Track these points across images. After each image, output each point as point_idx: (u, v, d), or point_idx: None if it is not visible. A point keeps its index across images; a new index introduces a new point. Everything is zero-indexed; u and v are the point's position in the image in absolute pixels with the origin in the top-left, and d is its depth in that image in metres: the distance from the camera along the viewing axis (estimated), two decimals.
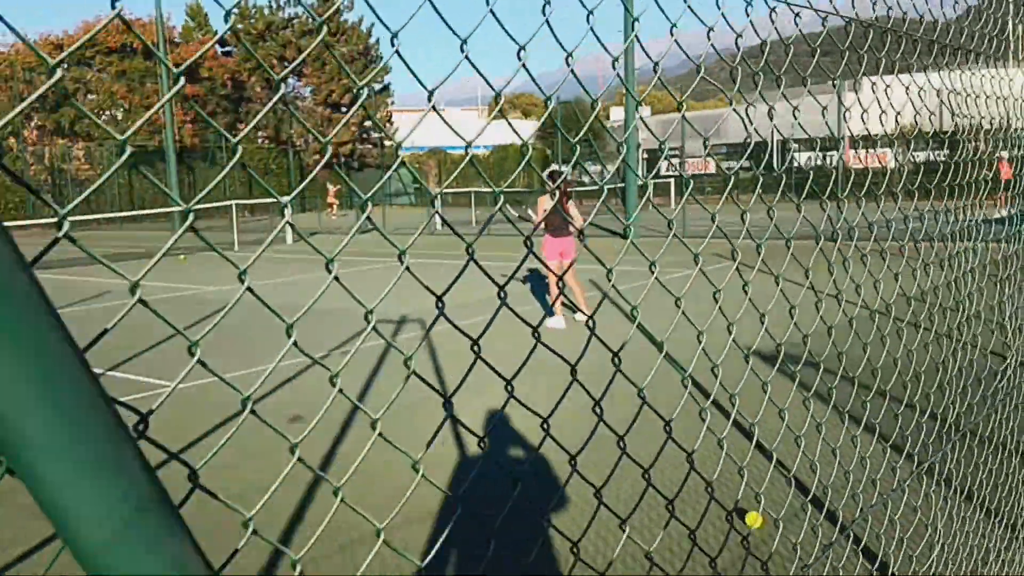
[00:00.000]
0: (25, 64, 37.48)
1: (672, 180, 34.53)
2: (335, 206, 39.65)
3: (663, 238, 16.98)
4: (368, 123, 45.88)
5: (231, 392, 7.22)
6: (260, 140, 44.37)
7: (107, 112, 39.89)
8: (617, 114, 57.44)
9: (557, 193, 9.21)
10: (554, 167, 8.87)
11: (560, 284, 1.68)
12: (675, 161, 31.31)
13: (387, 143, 46.02)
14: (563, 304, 10.54)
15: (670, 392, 2.85)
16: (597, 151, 40.34)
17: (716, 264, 14.44)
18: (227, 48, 45.96)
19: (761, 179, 2.51)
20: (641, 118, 1.66)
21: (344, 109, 45.23)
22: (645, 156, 48.41)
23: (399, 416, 6.30)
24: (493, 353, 1.70)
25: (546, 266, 1.62)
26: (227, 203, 22.84)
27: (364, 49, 46.27)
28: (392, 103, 49.16)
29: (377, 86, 46.88)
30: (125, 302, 9.13)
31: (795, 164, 37.67)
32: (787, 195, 2.23)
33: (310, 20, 46.19)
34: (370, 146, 46.06)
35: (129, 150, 0.86)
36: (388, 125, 48.42)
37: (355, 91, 1.20)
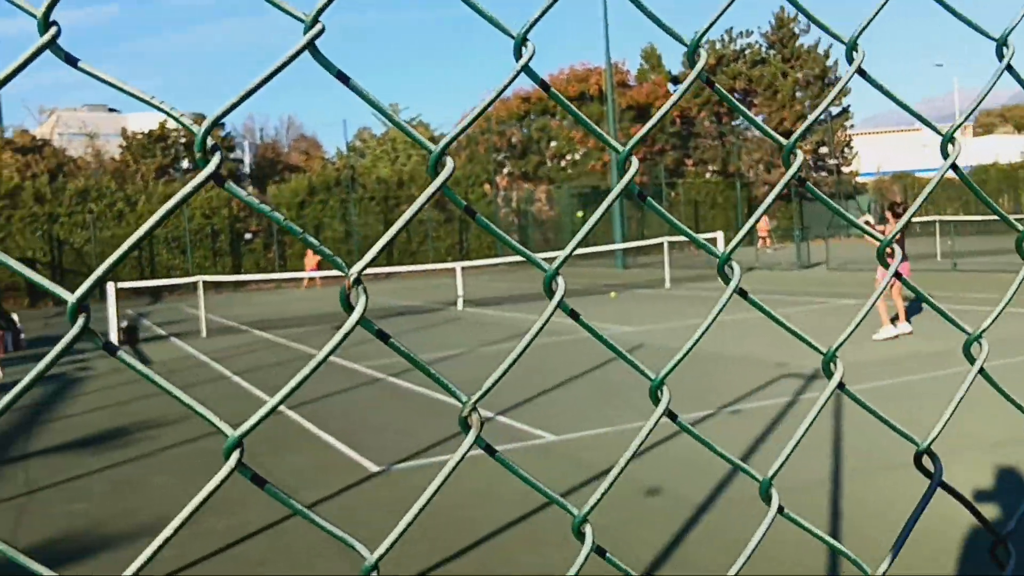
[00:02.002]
0: (499, 118, 41.92)
1: None
2: (768, 239, 37.64)
3: None
4: (823, 149, 43.36)
5: (607, 448, 6.60)
6: (708, 174, 44.29)
7: (567, 156, 42.92)
8: None
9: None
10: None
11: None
12: None
13: (845, 170, 43.03)
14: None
15: None
16: None
17: None
18: (679, 86, 46.84)
19: None
20: None
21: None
22: None
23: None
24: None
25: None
26: (659, 240, 22.75)
27: (821, 72, 43.96)
28: (852, 126, 45.97)
29: (835, 110, 44.14)
30: (569, 337, 8.83)
31: None
32: None
33: (762, 49, 45.20)
34: (824, 173, 43.41)
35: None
36: (847, 150, 45.36)
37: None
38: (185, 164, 38.07)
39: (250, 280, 22.44)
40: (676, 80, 46.88)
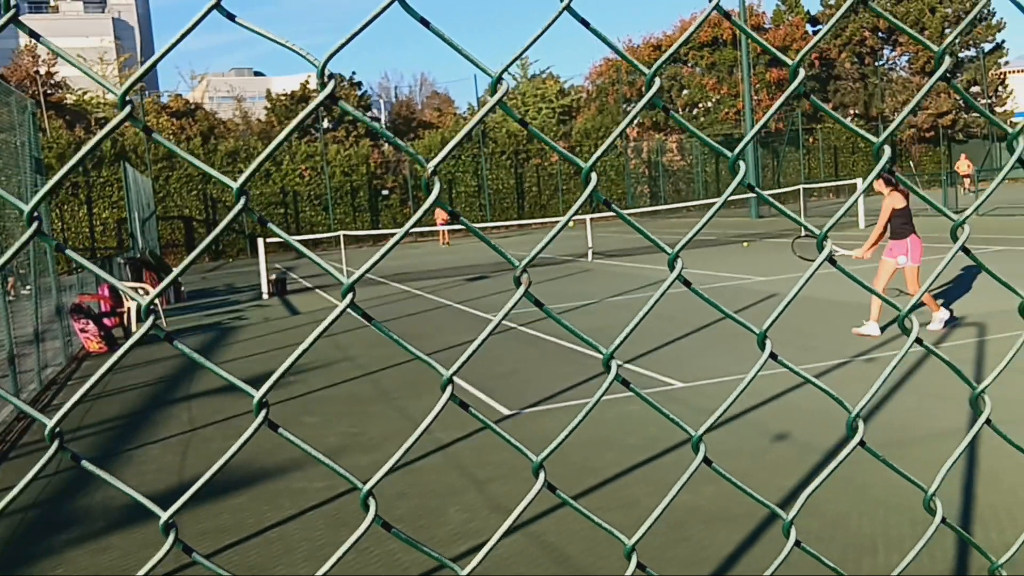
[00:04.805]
0: (628, 68, 41.22)
1: None
2: (969, 180, 34.34)
3: None
4: (975, 88, 40.65)
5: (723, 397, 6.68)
6: (848, 118, 42.33)
7: (699, 104, 41.92)
8: None
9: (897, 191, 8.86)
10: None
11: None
12: None
13: (999, 110, 40.23)
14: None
15: None
16: None
17: None
18: (818, 27, 44.74)
19: None
20: None
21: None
22: None
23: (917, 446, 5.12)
24: None
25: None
26: (795, 188, 22.09)
27: (969, 7, 41.02)
28: (1006, 63, 42.80)
29: (988, 46, 41.25)
30: (702, 287, 8.90)
31: None
32: None
33: None
34: (976, 115, 40.68)
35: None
36: (1002, 88, 42.39)
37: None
38: (325, 124, 39.46)
39: (388, 235, 23.28)
40: (815, 20, 44.80)
